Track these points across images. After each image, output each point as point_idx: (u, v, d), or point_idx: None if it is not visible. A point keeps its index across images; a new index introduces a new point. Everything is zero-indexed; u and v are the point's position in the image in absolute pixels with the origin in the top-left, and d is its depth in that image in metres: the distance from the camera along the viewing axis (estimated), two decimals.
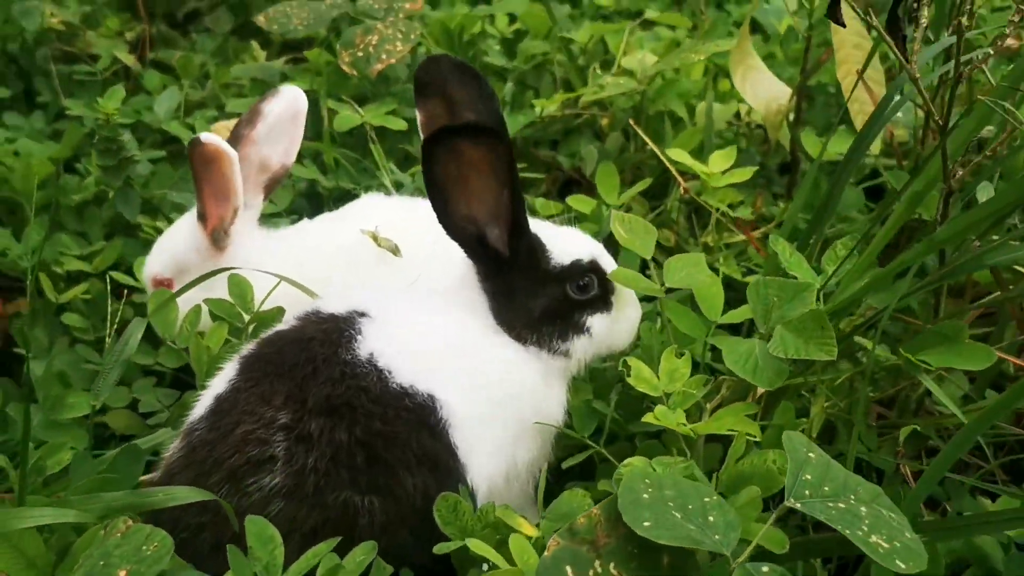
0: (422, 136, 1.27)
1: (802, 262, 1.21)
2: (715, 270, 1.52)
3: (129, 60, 2.35)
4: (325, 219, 1.59)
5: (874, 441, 1.28)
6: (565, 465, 1.25)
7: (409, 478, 1.07)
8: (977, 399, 1.33)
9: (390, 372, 1.10)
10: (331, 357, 1.10)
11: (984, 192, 1.22)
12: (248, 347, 1.17)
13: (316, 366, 1.09)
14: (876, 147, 1.72)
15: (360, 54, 1.99)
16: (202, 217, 1.50)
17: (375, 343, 1.12)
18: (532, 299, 1.22)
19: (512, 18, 2.35)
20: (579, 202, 1.79)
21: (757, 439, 1.10)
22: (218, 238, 1.51)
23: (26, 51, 2.39)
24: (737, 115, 2.12)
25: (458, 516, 1.05)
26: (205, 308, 1.42)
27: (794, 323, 1.12)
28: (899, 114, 1.88)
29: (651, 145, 1.82)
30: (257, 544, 0.97)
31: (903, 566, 0.82)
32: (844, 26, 1.21)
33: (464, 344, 1.20)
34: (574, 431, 1.27)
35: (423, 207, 1.52)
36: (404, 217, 1.48)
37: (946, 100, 1.15)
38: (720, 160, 1.68)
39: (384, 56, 1.97)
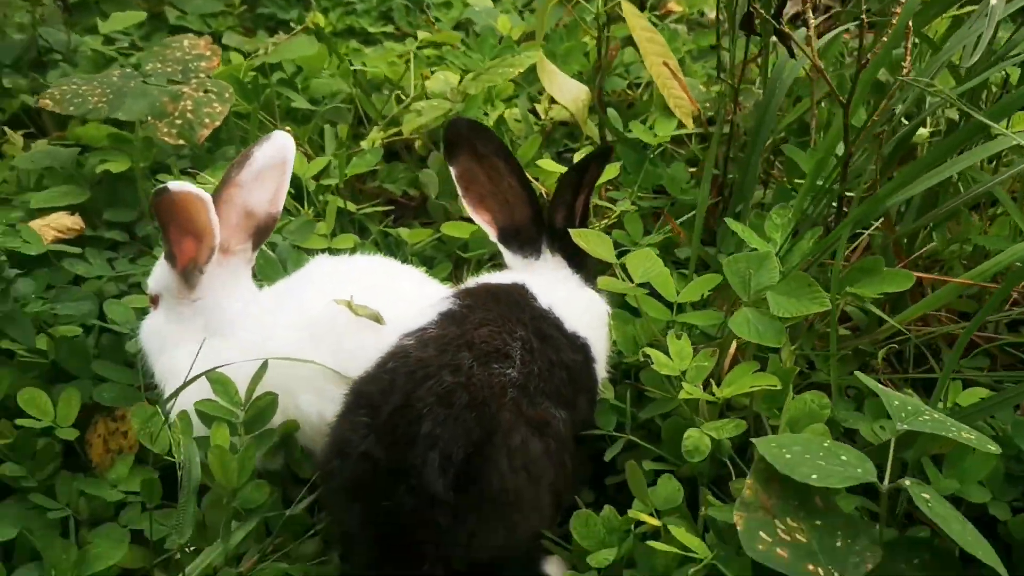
0: (459, 188, 1.54)
1: (753, 235, 1.43)
2: None
3: None
4: (288, 285, 1.55)
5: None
6: (608, 456, 1.39)
7: (583, 400, 1.35)
8: None
9: (562, 320, 1.37)
10: (529, 302, 1.38)
11: None
12: (450, 295, 1.39)
13: (522, 305, 1.36)
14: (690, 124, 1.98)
15: (179, 122, 1.90)
16: (169, 257, 1.45)
17: (543, 300, 1.39)
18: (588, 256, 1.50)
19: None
20: (454, 228, 1.89)
21: (777, 387, 1.31)
22: (190, 277, 1.46)
23: None
24: (536, 115, 2.30)
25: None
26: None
27: (782, 287, 1.33)
28: (701, 88, 2.20)
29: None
30: None
31: (993, 448, 1.08)
32: (759, 35, 1.43)
33: (590, 301, 1.50)
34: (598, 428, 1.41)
35: (372, 263, 1.58)
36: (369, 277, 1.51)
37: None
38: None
39: (207, 120, 1.91)
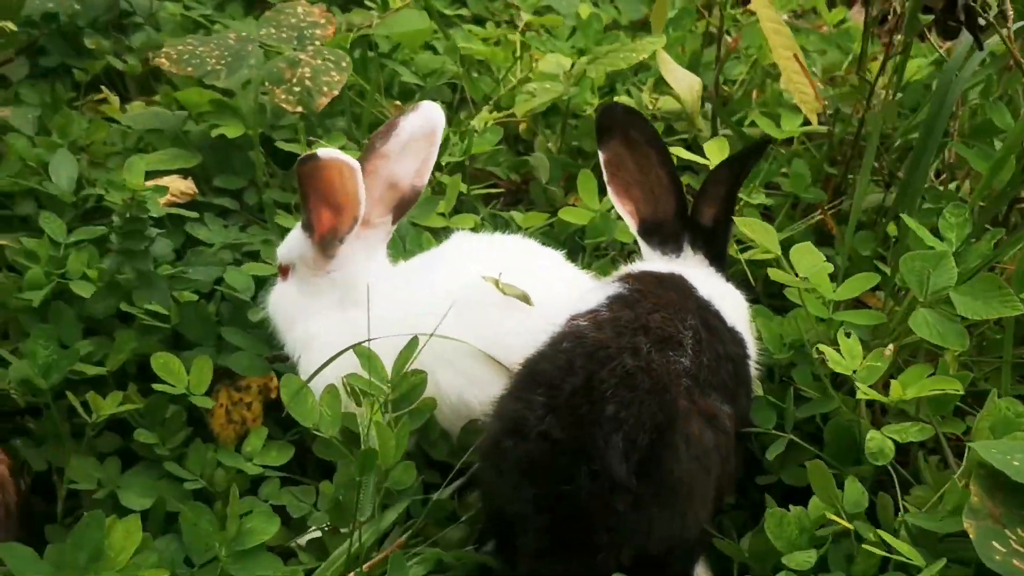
0: (606, 174, 1.46)
1: (927, 234, 1.37)
2: None
3: None
4: (425, 261, 1.50)
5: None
6: (771, 455, 1.34)
7: (743, 396, 1.30)
8: None
9: (722, 313, 1.33)
10: (692, 292, 1.33)
11: None
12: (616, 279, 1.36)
13: (688, 295, 1.31)
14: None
15: (297, 89, 1.84)
16: (307, 227, 1.40)
17: (702, 292, 1.34)
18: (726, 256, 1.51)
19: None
20: (572, 214, 1.84)
21: (960, 392, 1.26)
22: (328, 247, 1.41)
23: None
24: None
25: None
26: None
27: (967, 288, 1.28)
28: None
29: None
30: None
31: None
32: (952, 28, 1.37)
33: (737, 297, 1.45)
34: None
35: (514, 242, 1.53)
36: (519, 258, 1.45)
37: None
38: (715, 150, 1.79)
39: (325, 88, 1.85)
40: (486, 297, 1.38)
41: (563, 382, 1.15)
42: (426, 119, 1.47)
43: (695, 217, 1.48)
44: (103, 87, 2.16)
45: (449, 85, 2.29)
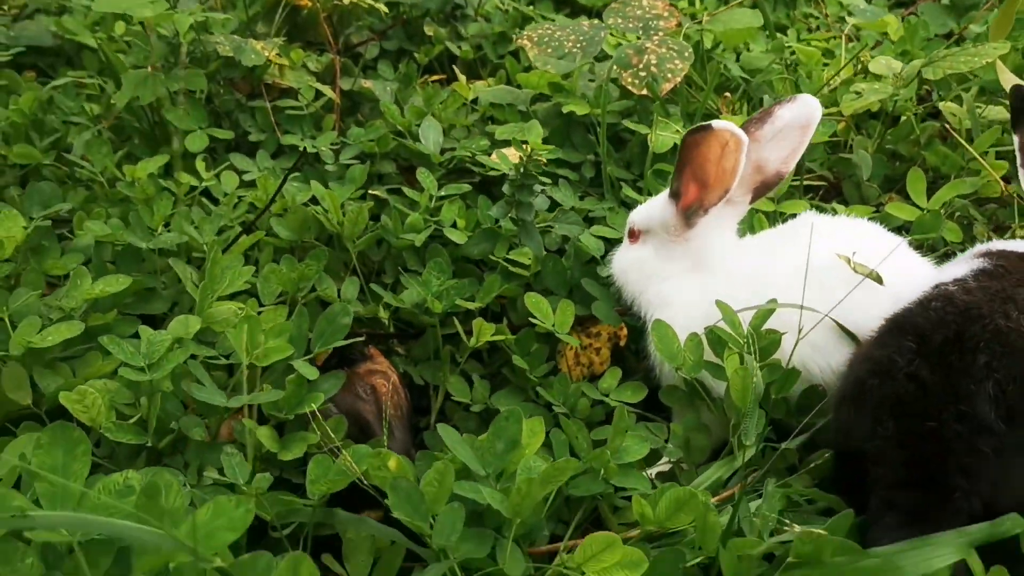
0: (1019, 158, 1.54)
1: None
2: None
3: (330, 92, 2.25)
4: (775, 236, 1.60)
5: None
6: None
7: None
8: None
9: None
10: None
11: None
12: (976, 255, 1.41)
13: None
14: None
15: (643, 74, 1.99)
16: (675, 195, 1.51)
17: None
18: None
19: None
20: (898, 209, 1.88)
21: None
22: (692, 215, 1.51)
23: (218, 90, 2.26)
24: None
25: None
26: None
27: None
28: None
29: (966, 147, 1.91)
30: None
31: None
32: None
33: None
34: None
35: (863, 224, 1.59)
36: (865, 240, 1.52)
37: None
38: None
39: (670, 75, 1.99)
40: (841, 273, 1.45)
41: (934, 333, 1.23)
42: (804, 110, 1.55)
43: None
44: (455, 68, 2.40)
45: (766, 83, 2.37)
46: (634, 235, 1.63)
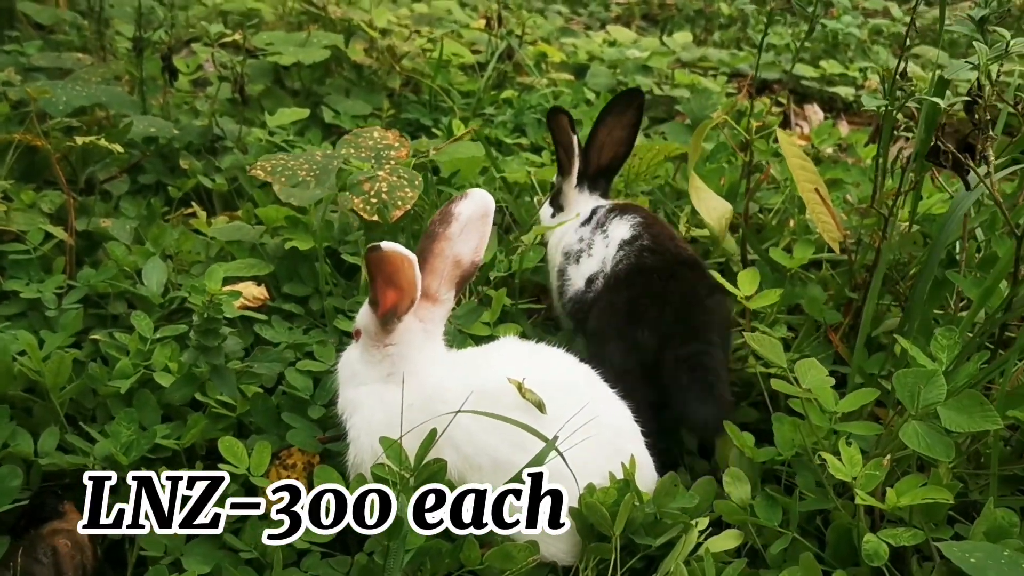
0: None
1: (920, 354, 1.50)
2: None
3: (62, 234, 2.23)
4: (477, 354, 1.66)
5: None
6: (775, 550, 1.45)
7: None
8: None
9: None
10: None
11: None
12: None
13: None
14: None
15: (374, 201, 2.05)
16: (372, 303, 1.56)
17: None
18: None
19: None
20: None
21: (950, 502, 1.37)
22: (387, 323, 1.57)
23: None
24: None
25: None
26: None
27: (953, 403, 1.40)
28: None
29: None
30: None
31: None
32: (945, 168, 1.53)
33: None
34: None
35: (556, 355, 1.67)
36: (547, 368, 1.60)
37: None
38: (746, 280, 1.95)
39: (399, 203, 2.05)
40: (507, 398, 1.51)
41: None
42: (479, 203, 1.65)
43: None
44: (192, 203, 2.42)
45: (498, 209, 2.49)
46: (357, 334, 1.67)
